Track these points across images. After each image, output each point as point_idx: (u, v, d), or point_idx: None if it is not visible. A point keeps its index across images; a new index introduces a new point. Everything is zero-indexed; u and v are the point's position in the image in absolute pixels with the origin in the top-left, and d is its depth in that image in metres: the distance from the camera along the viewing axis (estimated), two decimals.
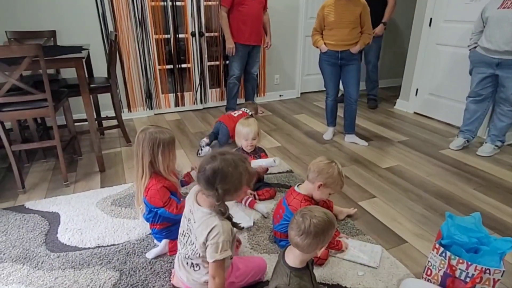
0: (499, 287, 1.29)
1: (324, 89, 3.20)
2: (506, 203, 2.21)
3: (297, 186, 1.76)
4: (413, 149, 3.06)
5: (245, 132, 2.24)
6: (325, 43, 2.88)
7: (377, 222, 2.03)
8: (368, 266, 1.65)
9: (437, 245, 1.38)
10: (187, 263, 1.38)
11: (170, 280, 1.55)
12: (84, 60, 2.36)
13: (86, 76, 2.66)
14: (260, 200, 2.19)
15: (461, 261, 1.30)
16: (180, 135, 3.40)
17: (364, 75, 4.19)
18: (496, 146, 2.91)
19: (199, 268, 1.35)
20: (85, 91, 2.37)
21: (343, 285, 1.55)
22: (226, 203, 1.23)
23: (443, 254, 1.35)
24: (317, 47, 2.96)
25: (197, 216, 1.26)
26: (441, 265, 1.37)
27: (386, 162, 2.81)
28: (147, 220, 1.75)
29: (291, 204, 1.69)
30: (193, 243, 1.29)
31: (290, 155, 2.96)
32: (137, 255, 1.73)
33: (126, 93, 3.82)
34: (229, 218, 1.27)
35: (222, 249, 1.20)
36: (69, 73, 3.18)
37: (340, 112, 3.28)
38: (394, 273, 1.62)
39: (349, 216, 2.06)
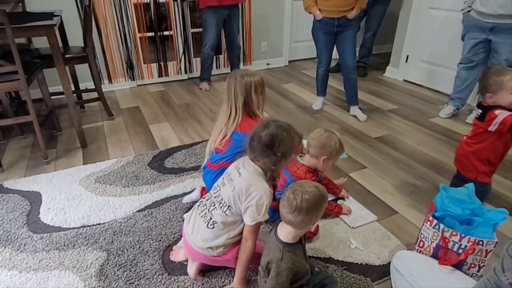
0: (491, 258, 1.30)
1: (315, 57, 3.09)
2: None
3: (299, 156, 1.72)
4: (403, 118, 3.03)
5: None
6: (319, 10, 2.72)
7: (368, 193, 2.02)
8: (345, 223, 1.74)
9: (430, 218, 1.36)
10: (205, 215, 1.33)
11: (166, 257, 1.51)
12: (56, 28, 2.16)
13: (60, 45, 2.47)
14: None
15: (454, 233, 1.29)
16: (165, 107, 3.27)
17: (358, 41, 4.05)
18: None
19: (213, 227, 1.31)
20: (60, 62, 2.20)
21: (335, 258, 1.54)
22: None
23: (436, 227, 1.34)
24: (310, 13, 2.80)
25: (246, 170, 1.26)
26: (434, 237, 1.36)
27: (377, 132, 2.78)
28: (224, 158, 1.67)
29: (295, 174, 1.65)
30: (223, 195, 1.29)
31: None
32: (124, 234, 1.67)
33: (106, 64, 3.61)
34: (274, 186, 1.32)
35: (264, 211, 1.23)
36: (42, 43, 2.95)
37: (336, 84, 3.20)
38: (386, 244, 1.62)
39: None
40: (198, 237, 1.33)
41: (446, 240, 1.32)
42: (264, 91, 1.67)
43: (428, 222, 1.38)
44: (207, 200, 1.37)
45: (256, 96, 1.61)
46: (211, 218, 1.31)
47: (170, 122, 2.96)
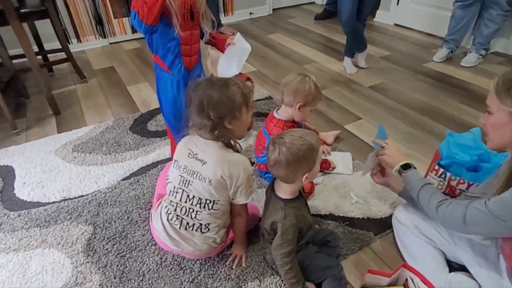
0: None
1: (301, 3, 2.83)
2: None
3: (276, 111, 1.57)
4: (396, 64, 2.89)
5: None
6: None
7: (364, 145, 1.93)
8: (343, 174, 1.68)
9: (436, 167, 1.29)
10: (190, 225, 1.13)
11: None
12: None
13: None
14: None
15: (461, 181, 1.23)
16: (142, 66, 3.02)
17: None
18: (481, 55, 2.78)
19: (208, 229, 1.13)
20: (13, 18, 1.91)
21: (336, 214, 1.48)
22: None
23: (443, 175, 1.27)
24: None
25: (205, 153, 1.07)
26: (440, 186, 1.30)
27: (369, 80, 2.64)
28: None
29: (273, 133, 1.52)
30: (198, 194, 1.09)
31: (267, 79, 2.71)
32: (110, 205, 1.56)
33: (71, 19, 3.26)
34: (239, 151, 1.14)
35: (252, 182, 1.12)
36: None
37: (324, 31, 2.98)
38: (386, 196, 1.56)
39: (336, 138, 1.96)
40: (194, 245, 1.15)
41: (454, 188, 1.26)
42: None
43: (434, 171, 1.30)
44: (174, 210, 1.12)
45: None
46: (200, 224, 1.12)
47: (150, 81, 2.74)
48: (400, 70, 2.79)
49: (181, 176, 1.10)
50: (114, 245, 1.37)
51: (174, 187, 1.11)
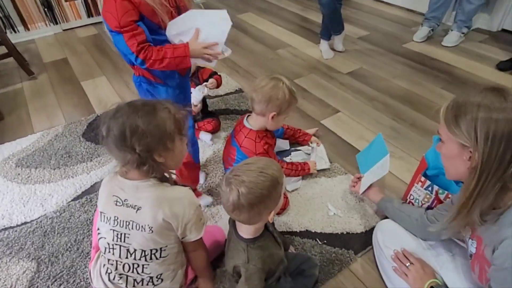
0: None
1: None
2: None
3: (246, 119, 1.38)
4: (375, 46, 2.70)
5: None
6: None
7: (342, 143, 1.78)
8: (321, 168, 1.59)
9: (422, 178, 1.15)
10: (137, 283, 0.93)
11: None
12: None
13: None
14: None
15: (450, 195, 1.10)
16: (99, 56, 2.72)
17: None
18: (462, 33, 2.63)
19: (161, 280, 0.94)
20: None
21: (313, 230, 1.34)
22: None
23: (429, 188, 1.13)
24: None
25: (137, 198, 0.87)
26: (426, 199, 1.17)
27: (348, 65, 2.46)
28: None
29: (244, 146, 1.34)
30: (140, 247, 0.89)
31: (237, 68, 2.49)
32: (58, 233, 1.36)
33: (14, 5, 2.88)
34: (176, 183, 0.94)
35: (202, 212, 0.95)
36: None
37: (297, 9, 2.74)
38: (367, 207, 1.42)
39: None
40: None
41: (442, 202, 1.13)
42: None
43: (420, 183, 1.16)
44: (115, 268, 0.92)
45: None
46: (151, 278, 0.93)
47: (107, 75, 2.46)
48: (379, 52, 2.62)
49: (114, 230, 0.89)
50: (60, 285, 1.18)
51: (109, 244, 0.92)
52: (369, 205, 1.42)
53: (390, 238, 1.16)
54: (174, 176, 0.93)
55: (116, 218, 0.89)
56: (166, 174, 0.89)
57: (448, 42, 2.63)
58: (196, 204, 0.91)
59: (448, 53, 2.55)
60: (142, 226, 0.87)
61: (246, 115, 1.40)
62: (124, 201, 0.88)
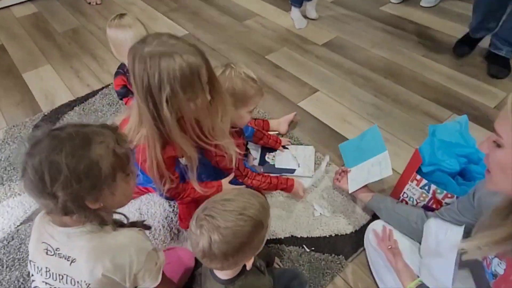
0: None
1: None
2: (458, 69, 1.92)
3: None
4: (350, 10, 2.49)
5: (129, 41, 1.29)
6: None
7: (323, 128, 1.63)
8: (303, 176, 1.37)
9: (418, 177, 1.02)
10: None
11: None
12: None
13: None
14: None
15: (449, 195, 0.98)
16: (42, 40, 2.36)
17: None
18: None
19: None
20: None
21: (298, 236, 1.22)
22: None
23: (426, 187, 1.02)
24: None
25: (73, 246, 0.70)
26: (422, 198, 1.06)
27: (323, 35, 2.25)
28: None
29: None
30: None
31: (202, 45, 2.22)
32: (7, 266, 1.17)
33: None
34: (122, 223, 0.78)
35: (157, 259, 0.78)
36: None
37: None
38: (355, 204, 1.30)
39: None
40: None
41: (439, 202, 1.02)
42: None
43: (415, 181, 1.04)
44: None
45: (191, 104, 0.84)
46: None
47: (53, 63, 2.14)
48: (355, 17, 2.41)
49: (46, 283, 0.72)
50: None
51: None
52: (357, 201, 1.31)
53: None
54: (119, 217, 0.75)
55: (48, 269, 0.71)
56: (106, 218, 0.71)
57: (426, 2, 2.45)
58: (147, 248, 0.75)
59: (427, 14, 2.39)
60: (78, 282, 0.70)
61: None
62: (56, 250, 0.70)
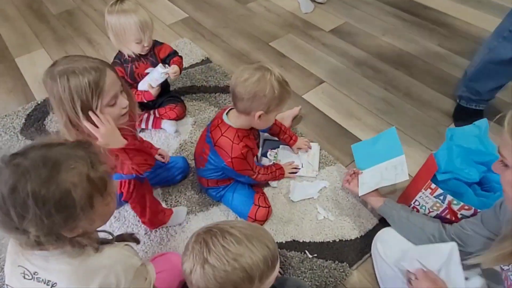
0: None
1: None
2: None
3: (226, 113, 1.11)
4: None
5: (134, 26, 1.27)
6: None
7: (329, 123, 1.54)
8: (307, 176, 1.33)
9: (432, 185, 0.94)
10: None
11: None
12: None
13: None
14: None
15: (466, 207, 0.91)
16: (36, 22, 2.25)
17: None
18: None
19: None
20: None
21: (301, 240, 1.16)
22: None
23: (441, 197, 0.94)
24: None
25: (53, 269, 0.63)
26: (435, 208, 0.98)
27: (330, 20, 2.12)
28: None
29: (219, 145, 1.09)
30: None
31: (202, 31, 2.11)
32: None
33: None
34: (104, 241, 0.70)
35: (147, 274, 0.74)
36: None
37: None
38: (361, 207, 1.23)
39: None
40: None
41: (455, 213, 0.94)
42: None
43: (429, 190, 0.96)
44: None
45: None
46: None
47: (47, 47, 2.04)
48: (365, 1, 2.27)
49: None
50: None
51: None
52: (363, 203, 1.23)
53: (392, 248, 0.99)
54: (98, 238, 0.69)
55: None
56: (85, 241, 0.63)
57: None
58: (135, 265, 0.69)
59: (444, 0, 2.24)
60: None
61: (228, 109, 1.12)
62: (34, 274, 0.64)
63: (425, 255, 0.87)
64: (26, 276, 0.64)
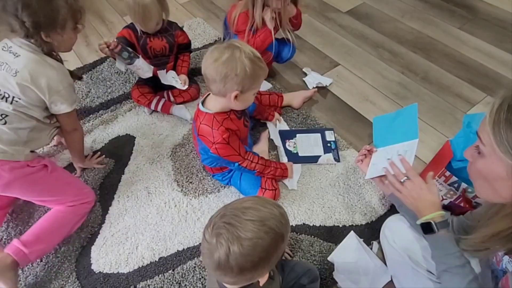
0: None
1: None
2: (498, 45, 1.73)
3: (203, 101, 1.09)
4: None
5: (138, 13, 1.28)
6: None
7: (343, 108, 1.52)
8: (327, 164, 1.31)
9: (447, 173, 0.93)
10: None
11: None
12: None
13: None
14: (177, 103, 1.51)
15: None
16: None
17: None
18: None
19: (4, 122, 0.98)
20: None
21: (311, 224, 1.16)
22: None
23: (455, 185, 0.93)
24: None
25: (22, 49, 0.97)
26: (449, 195, 0.97)
27: (347, 1, 2.06)
28: None
29: (201, 134, 1.07)
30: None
31: (215, 10, 2.07)
32: None
33: None
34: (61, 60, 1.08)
35: (73, 93, 1.07)
36: None
37: None
38: (372, 189, 1.23)
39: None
40: None
41: (469, 201, 0.93)
42: None
43: (443, 177, 0.95)
44: None
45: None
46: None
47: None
48: None
49: None
50: None
51: None
52: (375, 188, 1.23)
53: (399, 236, 0.99)
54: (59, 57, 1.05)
55: None
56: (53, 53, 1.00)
57: None
58: (70, 81, 1.03)
59: None
60: (11, 69, 0.95)
61: (205, 95, 1.10)
62: (9, 47, 0.97)
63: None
64: (3, 48, 0.98)
